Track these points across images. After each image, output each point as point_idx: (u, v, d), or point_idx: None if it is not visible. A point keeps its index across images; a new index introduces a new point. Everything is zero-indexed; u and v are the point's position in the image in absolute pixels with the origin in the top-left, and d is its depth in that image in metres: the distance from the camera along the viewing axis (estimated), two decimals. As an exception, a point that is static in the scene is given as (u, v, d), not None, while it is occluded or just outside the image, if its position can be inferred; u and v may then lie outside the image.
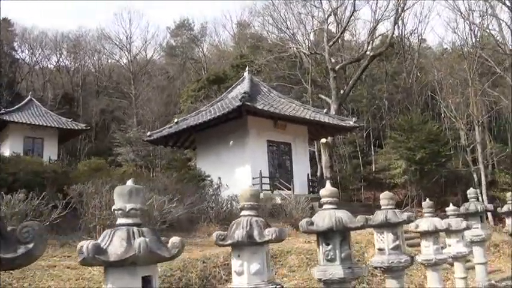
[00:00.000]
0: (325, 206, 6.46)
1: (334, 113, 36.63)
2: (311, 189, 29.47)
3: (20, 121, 38.14)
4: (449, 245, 11.30)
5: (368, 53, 42.05)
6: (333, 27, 48.98)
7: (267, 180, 27.87)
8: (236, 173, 27.46)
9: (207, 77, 55.11)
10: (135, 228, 3.92)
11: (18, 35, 66.35)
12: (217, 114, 28.00)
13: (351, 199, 43.18)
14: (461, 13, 41.98)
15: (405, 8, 43.84)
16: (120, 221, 4.05)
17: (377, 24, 43.01)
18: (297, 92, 49.40)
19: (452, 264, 11.63)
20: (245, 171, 27.65)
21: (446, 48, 58.93)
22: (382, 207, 8.09)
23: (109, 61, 73.94)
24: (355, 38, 57.74)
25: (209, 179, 24.27)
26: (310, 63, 47.91)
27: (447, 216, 11.57)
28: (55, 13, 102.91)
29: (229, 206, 19.92)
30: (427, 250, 9.61)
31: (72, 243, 12.61)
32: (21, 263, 3.00)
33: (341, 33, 45.60)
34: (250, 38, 66.35)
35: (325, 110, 33.36)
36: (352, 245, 14.47)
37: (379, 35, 47.09)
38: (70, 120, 42.56)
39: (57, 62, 70.18)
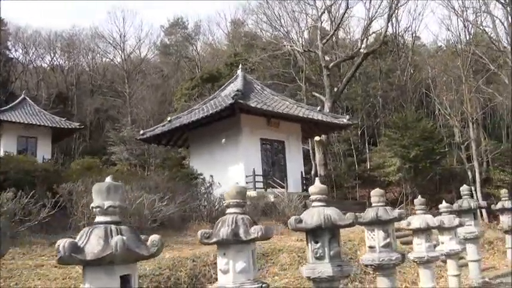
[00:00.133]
0: (314, 204, 6.43)
1: (328, 110, 36.56)
2: (305, 187, 29.34)
3: (14, 120, 37.97)
4: (442, 242, 11.27)
5: (362, 50, 42.00)
6: (327, 25, 49.02)
7: (260, 178, 27.73)
8: (229, 171, 27.34)
9: (201, 76, 55.04)
10: (113, 226, 3.85)
11: (11, 34, 66.04)
12: (210, 112, 27.87)
13: (345, 197, 43.09)
14: (455, 10, 41.94)
15: (399, 5, 43.79)
16: (98, 218, 3.98)
17: (371, 22, 42.95)
18: (291, 90, 49.30)
19: (445, 262, 11.56)
20: (238, 170, 27.54)
21: (441, 45, 59.01)
22: (373, 205, 8.05)
23: (103, 60, 73.68)
24: (349, 36, 57.87)
25: (201, 177, 24.16)
26: (304, 61, 47.89)
27: (440, 214, 11.52)
28: (48, 12, 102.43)
29: (221, 204, 19.81)
30: (419, 248, 9.58)
31: (61, 242, 12.47)
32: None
33: (334, 31, 45.55)
34: (245, 36, 66.21)
35: (318, 108, 33.24)
36: (345, 243, 14.50)
37: (373, 33, 47.02)
38: (64, 119, 42.41)
39: (51, 61, 70.06)
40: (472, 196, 16.43)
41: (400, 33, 55.67)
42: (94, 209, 3.97)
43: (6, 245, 3.02)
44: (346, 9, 42.95)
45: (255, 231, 5.04)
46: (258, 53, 51.94)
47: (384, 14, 42.18)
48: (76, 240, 3.73)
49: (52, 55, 69.92)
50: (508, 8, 37.46)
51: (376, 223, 7.84)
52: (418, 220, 9.47)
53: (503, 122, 50.48)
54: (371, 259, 7.83)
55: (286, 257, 12.81)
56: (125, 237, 3.68)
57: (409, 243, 14.54)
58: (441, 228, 10.96)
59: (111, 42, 69.11)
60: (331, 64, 42.08)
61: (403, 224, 9.64)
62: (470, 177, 37.96)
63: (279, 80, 50.56)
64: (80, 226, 13.70)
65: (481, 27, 41.96)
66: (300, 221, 6.17)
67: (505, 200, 16.46)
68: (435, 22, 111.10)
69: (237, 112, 27.03)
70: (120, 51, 68.49)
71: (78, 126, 42.85)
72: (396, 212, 7.90)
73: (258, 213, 19.62)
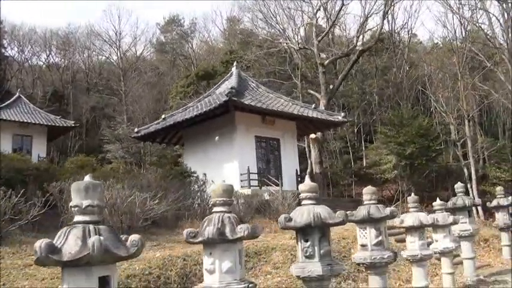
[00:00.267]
0: (304, 202, 6.36)
1: (323, 108, 36.44)
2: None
3: (8, 119, 37.97)
4: (436, 240, 11.21)
5: (358, 47, 41.92)
6: (323, 23, 48.98)
7: (255, 176, 27.69)
8: (224, 169, 27.31)
9: (196, 73, 54.97)
10: (91, 226, 3.76)
11: (7, 32, 65.90)
12: (204, 109, 27.79)
13: (342, 194, 43.15)
14: (451, 7, 41.78)
15: (394, 2, 43.65)
16: (76, 218, 3.90)
17: (366, 19, 42.83)
18: (287, 88, 49.20)
19: (440, 259, 11.49)
20: (233, 168, 27.50)
21: (437, 42, 58.83)
22: (365, 202, 8.00)
23: (99, 58, 73.83)
24: (345, 33, 57.80)
25: (195, 175, 24.08)
26: (300, 59, 47.89)
27: (434, 211, 11.46)
28: (44, 10, 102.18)
29: (215, 202, 19.71)
30: (412, 246, 9.52)
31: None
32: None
33: (330, 28, 45.41)
34: (240, 34, 66.06)
35: (313, 105, 33.14)
36: (339, 241, 14.42)
37: (368, 30, 46.91)
38: (59, 117, 42.44)
39: (47, 59, 69.98)
40: (467, 194, 16.39)
41: (396, 31, 55.75)
42: (72, 209, 3.89)
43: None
44: (341, 6, 42.80)
45: (242, 230, 4.94)
46: (254, 51, 51.88)
47: (380, 11, 42.09)
48: (53, 241, 3.63)
49: (48, 53, 69.92)
50: (504, 5, 37.40)
51: (367, 221, 7.77)
52: (411, 218, 9.41)
53: (499, 119, 50.51)
54: (363, 257, 7.76)
55: (279, 255, 12.71)
56: (102, 238, 3.59)
57: (404, 240, 14.49)
58: (435, 226, 10.90)
59: (106, 40, 69.05)
60: (327, 61, 41.97)
61: (396, 221, 9.57)
62: (466, 174, 37.90)
63: (274, 78, 50.61)
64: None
65: (477, 24, 41.87)
66: (290, 220, 6.09)
67: (501, 198, 16.42)
68: (431, 19, 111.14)
69: (231, 110, 26.98)
70: (115, 49, 68.47)
71: (73, 124, 42.85)
72: (388, 210, 7.82)
73: (252, 211, 19.55)
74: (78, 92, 65.11)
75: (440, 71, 46.18)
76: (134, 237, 3.84)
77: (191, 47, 74.67)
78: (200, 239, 5.05)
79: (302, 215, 6.05)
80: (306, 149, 43.08)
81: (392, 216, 7.97)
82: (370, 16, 43.06)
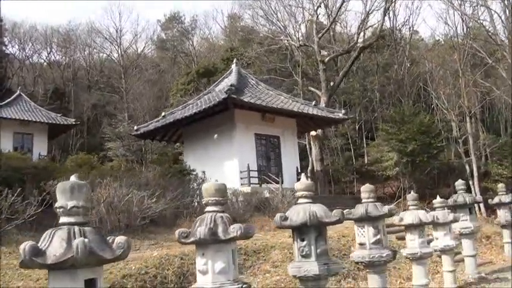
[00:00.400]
0: (300, 200, 6.30)
1: (324, 105, 36.36)
2: (300, 183, 29.16)
3: (9, 117, 37.97)
4: (437, 238, 11.13)
5: (359, 44, 41.82)
6: (324, 20, 48.92)
7: (255, 174, 27.61)
8: (224, 167, 27.26)
9: (197, 70, 54.93)
10: (76, 228, 3.68)
11: (8, 29, 65.81)
12: (203, 107, 27.69)
13: (343, 192, 43.10)
14: (453, 4, 41.62)
15: (395, -2, 43.62)
16: (62, 219, 3.82)
17: (367, 15, 42.73)
18: (288, 85, 49.17)
19: (441, 257, 11.40)
20: (233, 165, 27.45)
21: (438, 39, 58.68)
22: (363, 201, 7.90)
23: (100, 55, 73.74)
24: (346, 30, 57.71)
25: (194, 173, 24.00)
26: (301, 56, 47.83)
27: (434, 209, 11.38)
28: (45, 8, 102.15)
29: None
30: (412, 243, 9.46)
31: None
32: None
33: (331, 25, 45.25)
34: (241, 31, 66.07)
35: (313, 103, 33.02)
36: (339, 239, 14.32)
37: (369, 26, 46.79)
38: (60, 115, 42.45)
39: (48, 56, 69.93)
40: (469, 191, 16.30)
41: (398, 27, 55.65)
42: (57, 210, 3.81)
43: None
44: (342, 3, 42.85)
45: (234, 230, 4.85)
46: (255, 48, 51.97)
47: (381, 7, 42.00)
48: (37, 243, 3.56)
49: (49, 51, 69.83)
50: (506, 2, 37.24)
51: (366, 219, 7.69)
52: (410, 216, 9.33)
53: (501, 116, 50.40)
54: (361, 256, 7.69)
55: (278, 253, 12.62)
56: (87, 240, 3.51)
57: (405, 238, 14.42)
58: (435, 224, 10.81)
59: (107, 37, 69.10)
60: (327, 58, 41.88)
61: (395, 219, 9.49)
62: (468, 171, 37.79)
63: (275, 75, 50.49)
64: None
65: (479, 21, 41.76)
66: (286, 219, 6.00)
67: (502, 195, 16.31)
68: (433, 16, 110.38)
69: (231, 107, 26.87)
70: (116, 47, 68.57)
71: (74, 122, 42.90)
72: (386, 208, 7.72)
73: (251, 209, 19.48)
74: (79, 90, 65.08)
75: (442, 67, 46.04)
76: (120, 239, 3.77)
77: (192, 44, 74.74)
78: (192, 239, 4.95)
79: (298, 213, 5.97)
80: (307, 146, 43.02)
81: (390, 214, 7.90)
82: (371, 13, 43.06)
